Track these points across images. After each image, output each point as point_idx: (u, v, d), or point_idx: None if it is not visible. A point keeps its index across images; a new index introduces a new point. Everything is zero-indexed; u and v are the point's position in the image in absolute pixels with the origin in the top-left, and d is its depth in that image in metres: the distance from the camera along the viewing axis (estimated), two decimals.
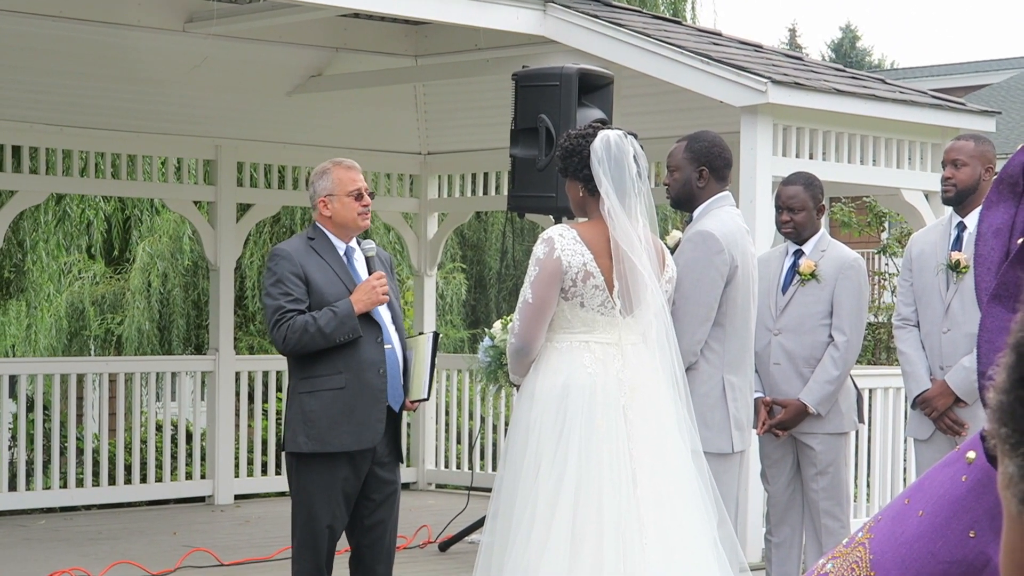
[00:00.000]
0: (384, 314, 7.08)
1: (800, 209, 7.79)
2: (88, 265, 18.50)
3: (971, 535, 1.66)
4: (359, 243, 7.21)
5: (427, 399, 7.22)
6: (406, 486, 13.29)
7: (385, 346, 7.02)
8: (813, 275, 7.74)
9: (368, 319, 6.99)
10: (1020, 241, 1.77)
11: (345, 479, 6.97)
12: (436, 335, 7.21)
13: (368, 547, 7.15)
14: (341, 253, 7.12)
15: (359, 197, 7.09)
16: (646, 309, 6.17)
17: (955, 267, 7.46)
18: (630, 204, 6.19)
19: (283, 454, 7.32)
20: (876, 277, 19.32)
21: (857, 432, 9.68)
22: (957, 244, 7.55)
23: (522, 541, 5.99)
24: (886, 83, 10.82)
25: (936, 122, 10.35)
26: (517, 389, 6.39)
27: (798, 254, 7.84)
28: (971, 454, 1.69)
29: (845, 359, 7.70)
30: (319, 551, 7.01)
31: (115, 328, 17.89)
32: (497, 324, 6.85)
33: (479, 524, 9.67)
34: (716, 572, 6.04)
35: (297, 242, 7.17)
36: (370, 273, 7.06)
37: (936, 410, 7.47)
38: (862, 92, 10.05)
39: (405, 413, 7.27)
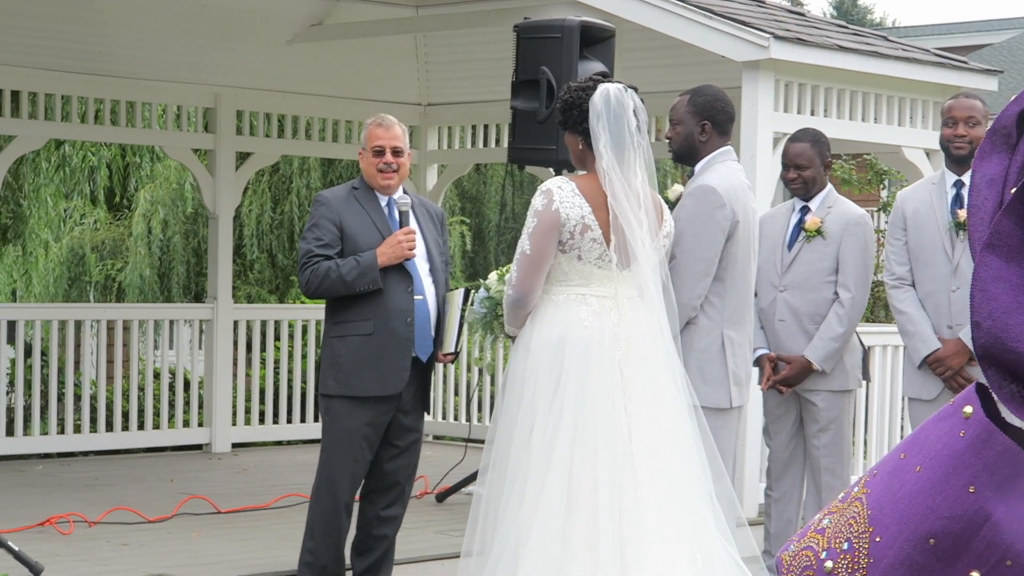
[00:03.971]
0: (421, 266, 7.26)
1: (807, 166, 7.79)
2: (90, 211, 18.48)
3: (971, 490, 1.66)
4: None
5: (456, 352, 7.36)
6: None
7: (416, 297, 7.19)
8: (819, 232, 7.73)
9: (400, 269, 7.17)
10: (1013, 191, 1.77)
11: (368, 423, 7.16)
12: (467, 291, 7.33)
13: (386, 491, 7.38)
14: (383, 204, 7.30)
15: (380, 153, 7.27)
16: (643, 263, 6.16)
17: (963, 226, 7.45)
18: (628, 158, 6.16)
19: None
20: (876, 235, 19.28)
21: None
22: (958, 202, 7.53)
23: (517, 494, 6.00)
24: (889, 40, 10.78)
25: (939, 80, 10.32)
26: (513, 341, 6.39)
27: (805, 211, 7.83)
28: (968, 408, 1.69)
29: (850, 316, 7.70)
30: (337, 492, 7.19)
31: (115, 275, 17.88)
32: (492, 275, 6.85)
33: (476, 476, 9.69)
34: (712, 527, 6.04)
35: (341, 189, 7.42)
36: (401, 227, 7.21)
37: (951, 369, 7.44)
38: (865, 49, 10.01)
39: (441, 365, 7.44)
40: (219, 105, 12.59)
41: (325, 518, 7.20)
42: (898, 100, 10.29)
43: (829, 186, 7.94)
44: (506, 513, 6.02)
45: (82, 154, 17.06)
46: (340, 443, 7.16)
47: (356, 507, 7.37)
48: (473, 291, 7.26)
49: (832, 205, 7.83)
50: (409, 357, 7.17)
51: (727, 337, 6.86)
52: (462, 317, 7.28)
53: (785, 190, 8.21)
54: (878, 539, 1.68)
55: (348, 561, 7.41)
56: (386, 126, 7.33)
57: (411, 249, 7.15)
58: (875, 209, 19.15)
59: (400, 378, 7.15)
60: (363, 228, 7.19)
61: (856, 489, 1.75)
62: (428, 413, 7.56)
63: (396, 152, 7.30)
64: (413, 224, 7.29)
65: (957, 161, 7.56)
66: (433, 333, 7.28)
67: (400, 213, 7.27)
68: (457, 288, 7.41)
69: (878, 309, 15.29)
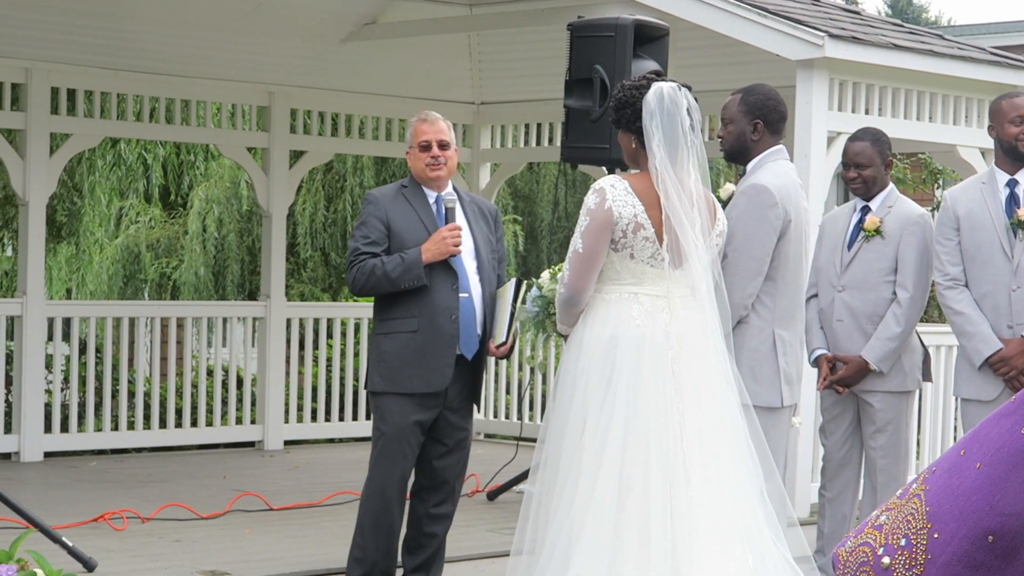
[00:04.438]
0: (469, 263, 7.28)
1: (867, 165, 7.76)
2: (145, 209, 18.55)
3: None
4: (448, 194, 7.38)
5: (506, 343, 7.30)
6: None
7: (461, 294, 7.22)
8: (878, 231, 7.70)
9: (446, 267, 7.20)
10: None
11: (415, 420, 7.21)
12: (519, 281, 7.32)
13: (436, 490, 7.41)
14: (431, 202, 7.33)
15: (426, 148, 7.29)
16: (695, 263, 6.14)
17: (1022, 224, 7.42)
18: (682, 157, 6.14)
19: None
20: None
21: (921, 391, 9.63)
22: (1014, 201, 7.50)
23: (569, 493, 5.99)
24: (944, 39, 10.73)
25: (994, 79, 10.26)
26: (565, 339, 6.39)
27: (865, 210, 7.80)
28: None
29: (908, 316, 7.65)
30: (386, 489, 7.23)
31: (170, 272, 17.95)
32: (545, 274, 6.85)
33: (527, 474, 9.68)
34: (763, 526, 6.02)
35: (390, 188, 7.48)
36: (447, 224, 7.24)
37: (1015, 368, 7.39)
38: (920, 48, 9.96)
39: (492, 361, 7.43)
40: (273, 103, 12.63)
41: (375, 515, 7.23)
42: (953, 99, 10.23)
43: (891, 185, 7.90)
44: (557, 512, 6.01)
45: (137, 152, 17.14)
46: (389, 440, 7.20)
47: (407, 505, 7.40)
48: (526, 282, 7.26)
49: (893, 205, 7.79)
50: (453, 354, 7.20)
51: (778, 336, 6.84)
52: (514, 308, 7.27)
53: (840, 189, 8.18)
54: (936, 535, 1.66)
55: (399, 559, 7.43)
56: (430, 121, 7.37)
57: (456, 245, 7.17)
58: (929, 208, 19.04)
59: (444, 375, 7.18)
60: (410, 225, 7.23)
61: (915, 486, 1.73)
62: (478, 411, 7.56)
63: (442, 145, 7.32)
64: (461, 220, 7.31)
65: (1016, 159, 7.52)
66: (479, 331, 7.29)
67: (447, 210, 7.29)
68: (510, 279, 7.41)
69: (931, 309, 15.22)
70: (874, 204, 7.79)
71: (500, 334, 7.28)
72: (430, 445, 7.32)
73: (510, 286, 7.29)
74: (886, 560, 1.69)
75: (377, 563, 7.25)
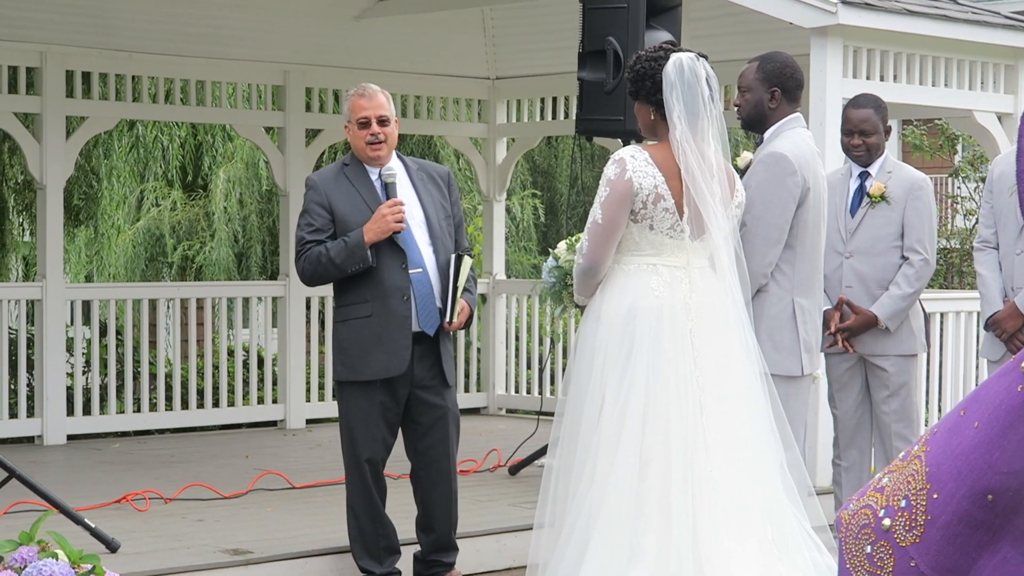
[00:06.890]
0: (420, 236, 7.09)
1: (873, 132, 7.78)
2: (164, 192, 18.54)
3: None
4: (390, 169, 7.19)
5: (449, 322, 7.11)
6: (476, 411, 13.34)
7: (412, 271, 7.03)
8: (883, 197, 7.70)
9: (393, 245, 7.02)
10: None
11: (383, 404, 7.10)
12: (459, 257, 7.11)
13: (424, 469, 7.30)
14: (374, 179, 7.16)
15: (365, 125, 7.10)
16: (715, 233, 6.12)
17: None
18: (702, 128, 6.13)
19: None
20: (948, 201, 19.10)
21: (928, 355, 9.65)
22: None
23: (589, 467, 5.98)
24: (959, 3, 10.67)
25: (1009, 43, 10.21)
26: (582, 311, 6.37)
27: (864, 176, 7.80)
28: None
29: (920, 277, 7.70)
30: (363, 472, 7.18)
31: (192, 255, 17.95)
32: (562, 244, 6.79)
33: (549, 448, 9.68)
34: (783, 497, 6.02)
35: (329, 170, 7.26)
36: (388, 199, 7.06)
37: (1005, 331, 7.44)
38: (934, 13, 9.92)
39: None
40: (288, 82, 12.62)
41: (361, 497, 7.19)
42: (968, 64, 10.19)
43: (886, 151, 7.93)
44: (578, 486, 6.01)
45: (153, 134, 17.14)
46: (358, 424, 7.11)
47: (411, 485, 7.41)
48: (465, 257, 7.11)
49: (892, 170, 7.81)
50: (409, 335, 7.03)
51: (797, 304, 6.83)
52: (456, 285, 7.05)
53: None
54: (936, 496, 1.65)
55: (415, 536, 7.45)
56: (368, 95, 7.13)
57: (399, 221, 6.97)
58: (947, 174, 18.93)
59: (402, 357, 7.02)
60: (353, 207, 7.05)
61: (916, 447, 1.73)
62: (449, 387, 7.30)
63: (382, 121, 7.10)
64: (406, 193, 7.12)
65: None
66: (440, 304, 7.10)
67: (386, 185, 7.09)
68: (457, 254, 7.19)
69: (951, 275, 15.17)
70: (873, 170, 7.80)
71: (446, 314, 7.10)
72: (408, 426, 7.22)
73: (451, 263, 7.09)
74: (887, 522, 1.69)
75: (376, 541, 7.24)
